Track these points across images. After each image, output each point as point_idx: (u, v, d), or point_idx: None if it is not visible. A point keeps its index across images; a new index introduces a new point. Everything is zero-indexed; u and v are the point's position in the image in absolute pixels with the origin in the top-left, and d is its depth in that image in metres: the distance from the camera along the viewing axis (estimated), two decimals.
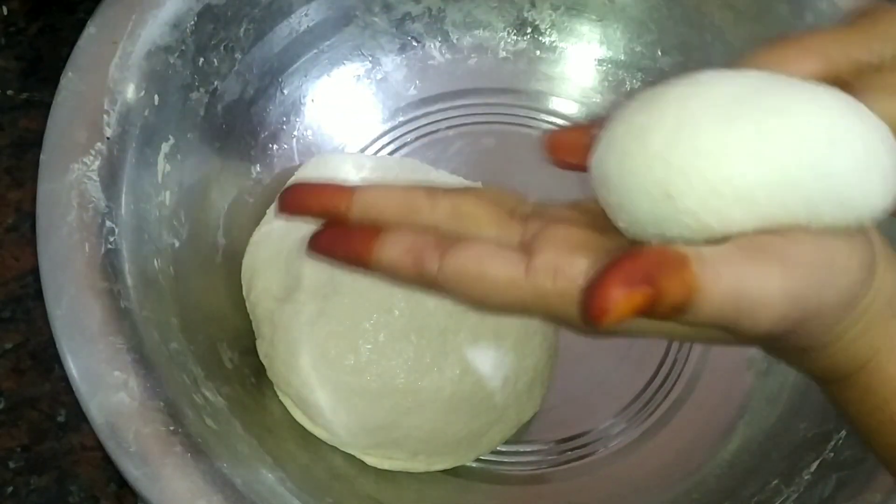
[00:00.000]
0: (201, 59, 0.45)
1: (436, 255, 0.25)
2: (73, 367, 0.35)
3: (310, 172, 0.50)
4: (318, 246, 0.27)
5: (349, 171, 0.49)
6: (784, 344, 0.25)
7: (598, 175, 0.25)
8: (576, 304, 0.23)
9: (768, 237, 0.23)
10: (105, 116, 0.40)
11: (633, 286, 0.21)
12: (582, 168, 0.26)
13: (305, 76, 0.52)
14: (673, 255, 0.22)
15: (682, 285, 0.22)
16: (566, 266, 0.24)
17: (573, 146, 0.27)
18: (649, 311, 0.21)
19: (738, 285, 0.22)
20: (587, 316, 0.21)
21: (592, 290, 0.21)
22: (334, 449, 0.44)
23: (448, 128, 0.56)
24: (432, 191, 0.27)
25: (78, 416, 0.45)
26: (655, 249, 0.22)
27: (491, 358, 0.45)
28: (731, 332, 0.24)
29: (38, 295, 0.36)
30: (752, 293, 0.22)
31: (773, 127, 0.23)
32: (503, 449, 0.47)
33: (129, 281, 0.38)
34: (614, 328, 0.22)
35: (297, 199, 0.27)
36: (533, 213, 0.27)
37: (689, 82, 0.25)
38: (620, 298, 0.21)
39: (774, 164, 0.23)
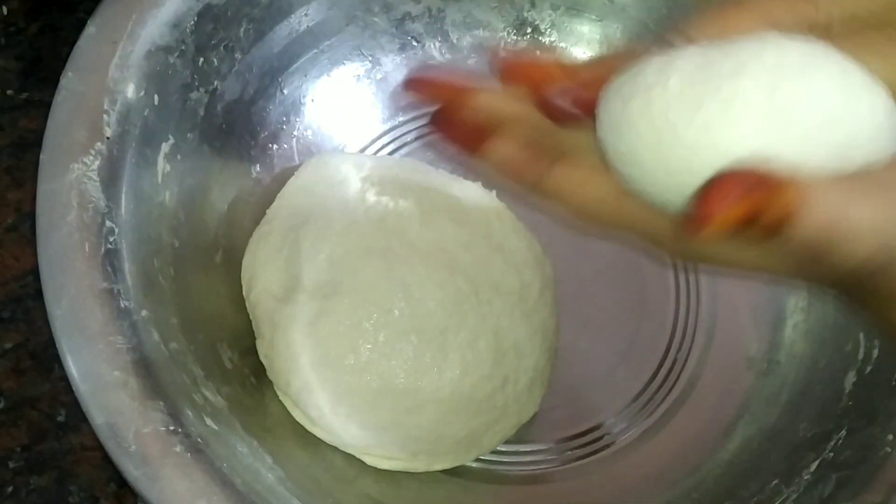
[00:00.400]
0: (201, 59, 0.45)
1: (539, 168, 0.28)
2: (73, 367, 0.35)
3: (310, 172, 0.50)
4: (437, 126, 0.30)
5: (349, 171, 0.49)
6: (867, 287, 0.25)
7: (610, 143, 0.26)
8: (667, 225, 0.24)
9: (876, 173, 0.23)
10: (105, 116, 0.40)
11: (736, 197, 0.22)
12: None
13: (305, 76, 0.52)
14: (776, 176, 0.22)
15: (783, 203, 0.22)
16: None
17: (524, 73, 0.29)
18: (747, 224, 0.22)
19: (838, 211, 0.22)
20: (692, 222, 0.22)
21: (698, 198, 0.22)
22: (334, 449, 0.44)
23: None
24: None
25: (78, 416, 0.45)
26: (757, 170, 0.23)
27: (491, 358, 0.45)
28: (816, 265, 0.24)
29: (38, 295, 0.36)
30: (851, 220, 0.22)
31: (789, 89, 0.23)
32: (503, 449, 0.47)
33: (129, 281, 0.38)
34: (703, 248, 0.24)
35: (422, 89, 0.31)
36: None
37: (680, 55, 0.25)
38: (724, 207, 0.22)
39: (794, 123, 0.23)
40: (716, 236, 0.22)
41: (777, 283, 0.29)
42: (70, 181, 0.38)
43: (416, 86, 0.30)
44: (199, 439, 0.35)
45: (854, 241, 0.23)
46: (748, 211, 0.22)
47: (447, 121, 0.30)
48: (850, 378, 0.44)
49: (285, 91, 0.51)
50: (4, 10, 0.55)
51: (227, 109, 0.47)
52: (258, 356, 0.46)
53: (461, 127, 0.30)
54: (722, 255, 0.25)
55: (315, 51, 0.52)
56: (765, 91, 0.23)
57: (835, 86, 0.23)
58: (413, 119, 0.55)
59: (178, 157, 0.44)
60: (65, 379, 0.35)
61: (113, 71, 0.41)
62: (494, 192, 0.51)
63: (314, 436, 0.44)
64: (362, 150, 0.54)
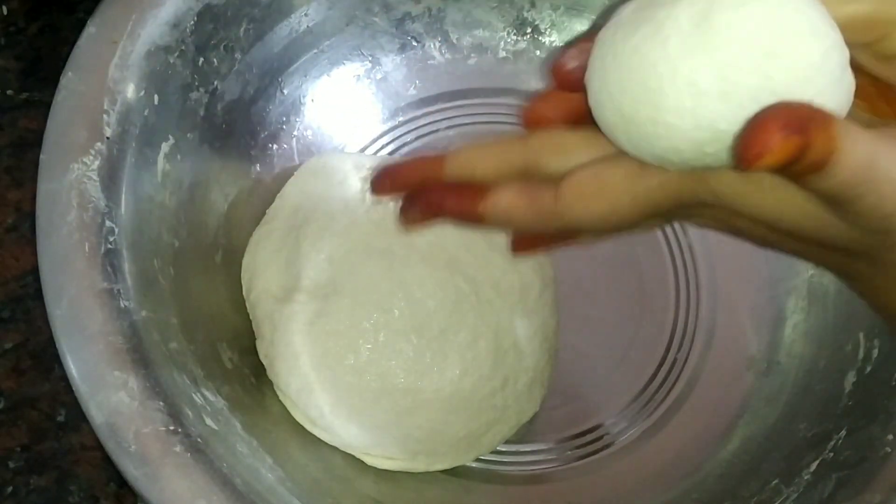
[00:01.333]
0: (201, 59, 0.45)
1: (549, 187, 0.26)
2: (73, 367, 0.35)
3: (310, 172, 0.50)
4: (421, 207, 0.28)
5: (349, 171, 0.49)
6: (886, 244, 0.24)
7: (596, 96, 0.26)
8: (724, 161, 0.23)
9: None
10: (105, 116, 0.40)
11: (789, 132, 0.21)
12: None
13: (305, 76, 0.52)
14: (820, 111, 0.22)
15: (827, 141, 0.22)
16: None
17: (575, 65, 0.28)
18: (793, 162, 0.22)
19: (874, 156, 0.22)
20: (742, 157, 0.22)
21: (750, 133, 0.22)
22: (334, 449, 0.44)
23: (448, 128, 0.56)
24: (519, 136, 0.29)
25: (78, 415, 0.45)
26: (805, 104, 0.22)
27: (491, 358, 0.45)
28: (848, 212, 0.23)
29: (38, 295, 0.37)
30: (885, 167, 0.22)
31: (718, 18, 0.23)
32: (503, 449, 0.47)
33: (129, 281, 0.38)
34: (726, 197, 0.24)
35: (390, 180, 0.29)
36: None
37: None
38: (777, 143, 0.21)
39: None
40: (767, 168, 0.22)
41: (781, 252, 0.28)
42: (70, 181, 0.38)
43: (384, 181, 0.29)
44: (199, 439, 0.35)
45: (888, 184, 0.22)
46: (798, 148, 0.21)
47: (433, 199, 0.28)
48: (850, 378, 0.44)
49: (285, 91, 0.51)
50: (4, 10, 0.55)
51: (227, 109, 0.47)
52: (258, 356, 0.46)
53: (453, 191, 0.28)
54: (743, 200, 0.25)
55: (315, 51, 0.52)
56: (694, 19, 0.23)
57: (774, 21, 0.23)
58: (413, 119, 0.55)
59: (178, 157, 0.44)
60: (65, 379, 0.35)
61: (113, 71, 0.41)
62: None
63: (314, 436, 0.44)
64: (362, 150, 0.54)
